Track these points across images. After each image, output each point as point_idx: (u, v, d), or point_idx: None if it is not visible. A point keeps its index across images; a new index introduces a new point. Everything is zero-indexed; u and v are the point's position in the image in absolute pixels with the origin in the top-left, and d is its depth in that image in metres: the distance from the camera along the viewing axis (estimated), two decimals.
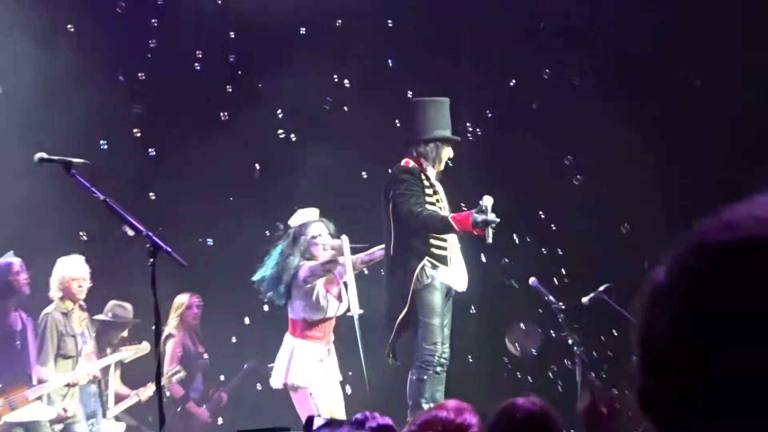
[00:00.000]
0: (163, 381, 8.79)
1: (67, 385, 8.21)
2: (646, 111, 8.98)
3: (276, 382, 7.69)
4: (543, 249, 9.34)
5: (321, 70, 9.64)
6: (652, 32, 8.73)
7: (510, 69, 9.69)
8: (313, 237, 7.60)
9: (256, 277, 7.72)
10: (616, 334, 7.91)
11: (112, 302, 8.93)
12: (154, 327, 6.01)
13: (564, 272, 8.99)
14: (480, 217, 7.05)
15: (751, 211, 0.93)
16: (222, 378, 9.85)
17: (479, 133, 9.72)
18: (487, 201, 7.10)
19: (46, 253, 8.44)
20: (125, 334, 8.84)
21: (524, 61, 9.49)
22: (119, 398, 8.83)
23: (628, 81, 9.07)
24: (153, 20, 9.63)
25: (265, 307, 8.05)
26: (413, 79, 9.16)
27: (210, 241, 9.68)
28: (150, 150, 9.62)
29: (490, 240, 7.15)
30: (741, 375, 0.86)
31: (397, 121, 8.40)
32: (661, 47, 8.76)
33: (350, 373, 7.95)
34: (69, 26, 9.39)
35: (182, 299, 9.37)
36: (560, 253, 9.23)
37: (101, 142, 9.33)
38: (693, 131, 8.81)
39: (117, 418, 8.88)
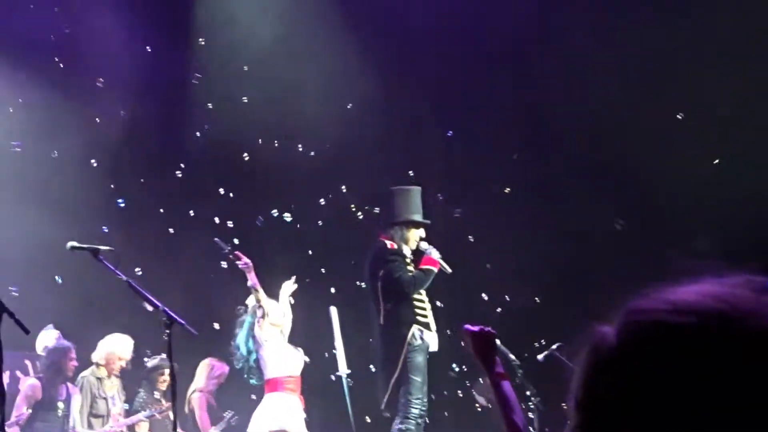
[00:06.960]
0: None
1: None
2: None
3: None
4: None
5: None
6: None
7: None
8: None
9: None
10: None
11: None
12: (170, 386, 7.09)
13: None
14: (434, 253, 8.87)
15: (700, 296, 0.95)
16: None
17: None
18: (424, 245, 8.93)
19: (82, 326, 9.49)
20: (166, 377, 9.26)
21: None
22: None
23: None
24: None
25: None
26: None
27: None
28: None
29: (448, 269, 8.85)
30: None
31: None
32: None
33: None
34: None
35: (207, 361, 10.19)
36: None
37: None
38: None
39: None
